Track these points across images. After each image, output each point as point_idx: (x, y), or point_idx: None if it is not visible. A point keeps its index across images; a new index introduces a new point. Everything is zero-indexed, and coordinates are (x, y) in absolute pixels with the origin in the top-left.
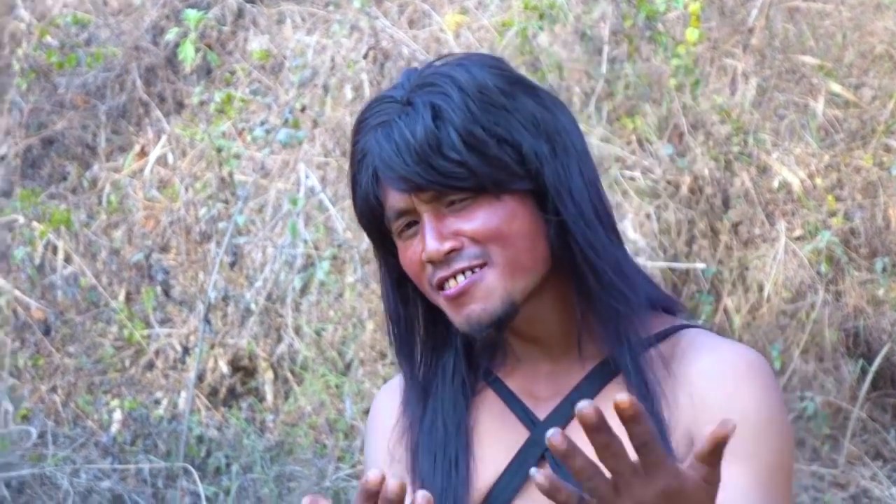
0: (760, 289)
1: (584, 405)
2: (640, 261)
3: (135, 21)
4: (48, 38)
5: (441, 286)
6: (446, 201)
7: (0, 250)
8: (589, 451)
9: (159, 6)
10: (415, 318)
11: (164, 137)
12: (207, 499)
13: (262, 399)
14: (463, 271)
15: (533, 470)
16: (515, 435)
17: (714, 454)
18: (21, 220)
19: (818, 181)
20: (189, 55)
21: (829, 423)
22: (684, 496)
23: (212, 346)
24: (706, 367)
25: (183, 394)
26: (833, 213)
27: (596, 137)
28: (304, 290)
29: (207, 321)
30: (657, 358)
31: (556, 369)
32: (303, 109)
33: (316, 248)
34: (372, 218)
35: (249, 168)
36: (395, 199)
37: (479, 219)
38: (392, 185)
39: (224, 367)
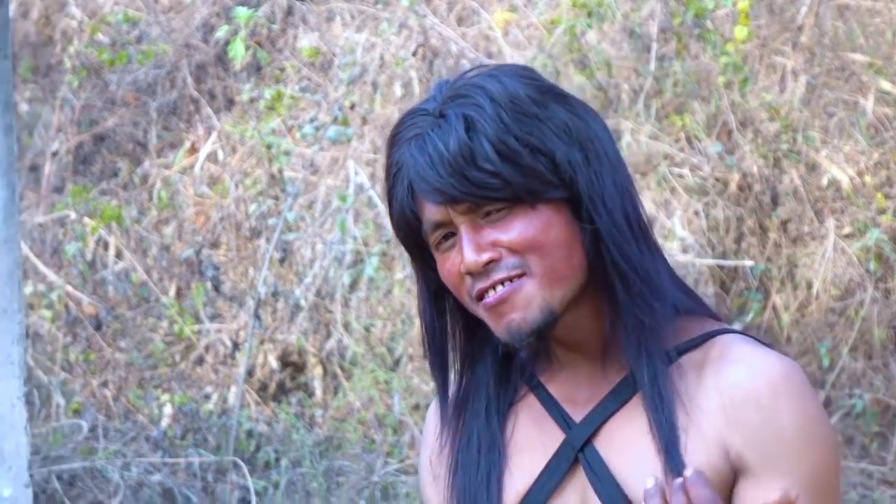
0: (809, 286)
1: (690, 475)
2: (689, 258)
3: (185, 18)
4: (99, 36)
5: (481, 297)
6: (482, 212)
7: (52, 246)
8: (625, 451)
9: (209, 4)
10: (451, 330)
11: (214, 134)
12: (257, 493)
13: (311, 394)
14: (502, 282)
15: (650, 479)
16: (552, 439)
17: None
18: (73, 215)
19: (867, 179)
20: (239, 53)
21: (877, 421)
22: None
23: (261, 342)
24: (740, 379)
25: (233, 389)
26: (882, 211)
27: (644, 135)
28: (353, 286)
29: (257, 317)
30: (685, 367)
31: (595, 374)
32: (352, 107)
33: (365, 245)
34: (409, 231)
35: (299, 165)
36: (432, 212)
37: (516, 229)
38: (427, 198)
39: (273, 363)
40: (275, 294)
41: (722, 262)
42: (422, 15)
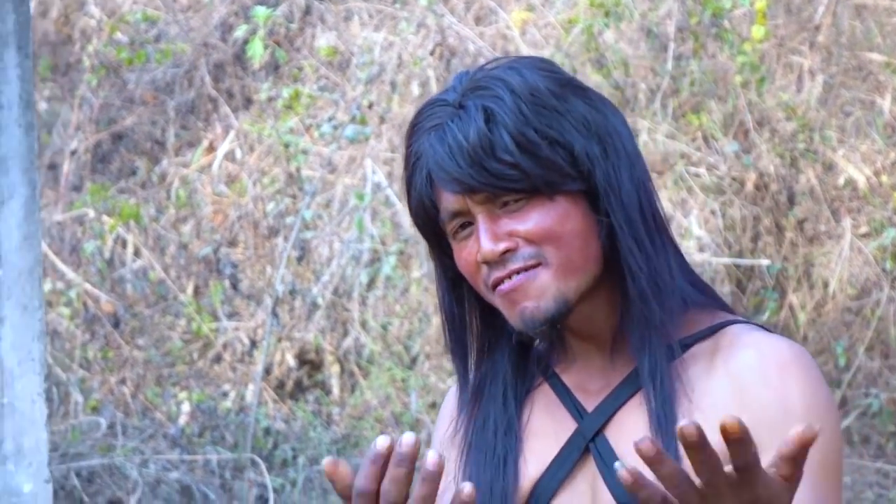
0: (825, 285)
1: (685, 425)
2: (705, 257)
3: (203, 18)
4: (118, 35)
5: (496, 286)
6: (500, 202)
7: (70, 244)
8: (630, 420)
9: (228, 3)
10: (469, 318)
11: (231, 133)
12: (274, 490)
13: (328, 392)
14: (518, 271)
15: (617, 464)
16: (564, 427)
17: (799, 454)
18: (91, 214)
19: (884, 178)
20: (258, 52)
21: (893, 420)
22: (772, 501)
23: (279, 340)
24: (749, 361)
25: (250, 386)
26: None
27: (661, 134)
28: (370, 284)
29: (275, 315)
30: (695, 356)
31: (606, 365)
32: (370, 106)
33: (382, 243)
34: (427, 219)
35: (316, 164)
36: (450, 201)
37: (533, 219)
38: (446, 187)
39: (291, 361)
40: (292, 292)
41: (738, 261)
42: (440, 14)
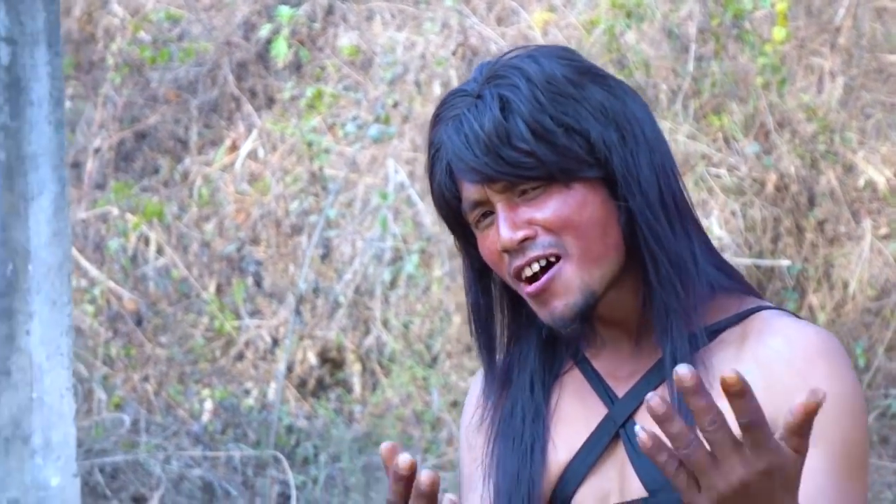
0: (845, 286)
1: (681, 368)
2: (726, 257)
3: (226, 17)
4: (141, 34)
5: (518, 275)
6: (518, 191)
7: (94, 242)
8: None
9: (251, 2)
10: (496, 307)
11: (254, 132)
12: (296, 487)
13: (349, 390)
14: (538, 259)
15: (637, 427)
16: (595, 413)
17: (805, 424)
18: (115, 211)
19: None
20: (282, 51)
21: None
22: (784, 472)
23: (301, 338)
24: (778, 347)
25: (272, 384)
26: None
27: (682, 135)
28: (392, 283)
29: (298, 313)
30: (724, 342)
31: (636, 350)
32: (395, 105)
33: (404, 242)
34: (449, 209)
35: (339, 163)
36: (469, 191)
37: (551, 207)
38: (464, 177)
39: (313, 359)
40: (315, 290)
41: (759, 261)
42: (464, 15)
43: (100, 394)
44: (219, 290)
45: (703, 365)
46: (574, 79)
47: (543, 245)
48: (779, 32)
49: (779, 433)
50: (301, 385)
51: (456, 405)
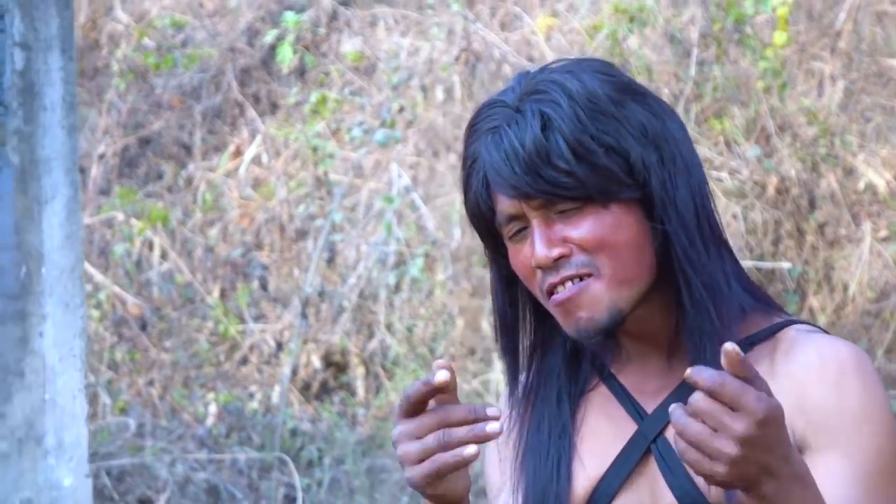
0: (845, 289)
1: (728, 345)
2: None
3: (230, 23)
4: (146, 40)
5: (551, 292)
6: (556, 209)
7: (99, 247)
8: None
9: (254, 8)
10: (522, 318)
11: (258, 137)
12: (301, 490)
13: (353, 394)
14: (571, 279)
15: (673, 406)
16: (624, 429)
17: (739, 371)
18: (120, 217)
19: None
20: (287, 57)
21: None
22: (778, 420)
23: (305, 342)
24: (809, 361)
25: (276, 388)
26: None
27: None
28: (395, 287)
29: (304, 316)
30: (754, 357)
31: (663, 366)
32: (401, 110)
33: (408, 246)
34: (482, 220)
35: (342, 168)
36: (506, 205)
37: (586, 227)
38: (502, 192)
39: (317, 362)
40: (320, 294)
41: (760, 263)
42: (471, 20)
43: (104, 398)
44: (223, 294)
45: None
46: (615, 97)
47: (577, 264)
48: (780, 37)
49: (824, 462)
50: (305, 388)
51: None
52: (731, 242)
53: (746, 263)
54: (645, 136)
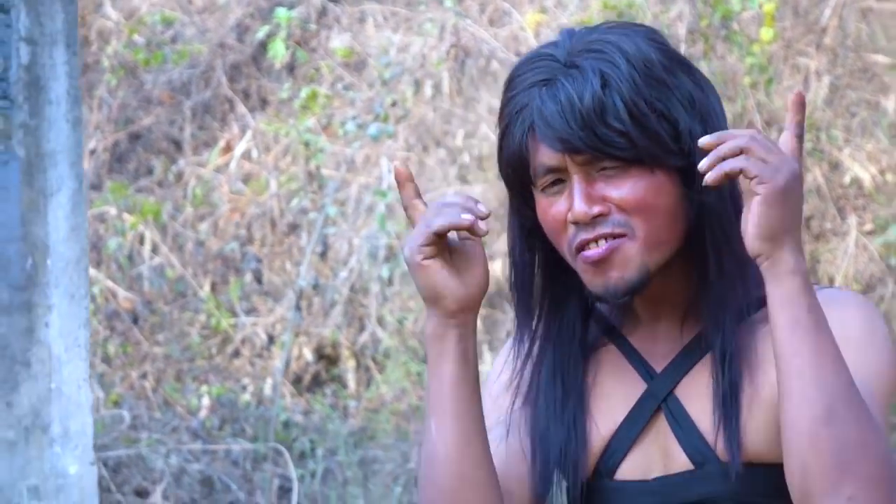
0: (831, 282)
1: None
2: None
3: (219, 19)
4: (136, 37)
5: (582, 248)
6: (599, 166)
7: (91, 241)
8: (702, 402)
9: (244, 4)
10: (537, 270)
11: (248, 132)
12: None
13: (345, 386)
14: (605, 237)
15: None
16: (633, 388)
17: (801, 117)
18: (113, 211)
19: (888, 177)
20: (279, 52)
21: None
22: (799, 179)
23: (297, 335)
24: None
25: (269, 380)
26: None
27: None
28: (387, 280)
29: (298, 309)
30: (762, 316)
31: (672, 330)
32: (393, 104)
33: (398, 239)
34: (518, 168)
35: (332, 162)
36: (547, 157)
37: (629, 188)
38: (549, 144)
39: (308, 355)
40: (313, 287)
41: None
42: (462, 16)
43: (98, 392)
44: (214, 288)
45: (748, 345)
46: (667, 65)
47: (614, 223)
48: (766, 33)
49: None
50: (297, 381)
51: None
52: None
53: None
54: (692, 106)
